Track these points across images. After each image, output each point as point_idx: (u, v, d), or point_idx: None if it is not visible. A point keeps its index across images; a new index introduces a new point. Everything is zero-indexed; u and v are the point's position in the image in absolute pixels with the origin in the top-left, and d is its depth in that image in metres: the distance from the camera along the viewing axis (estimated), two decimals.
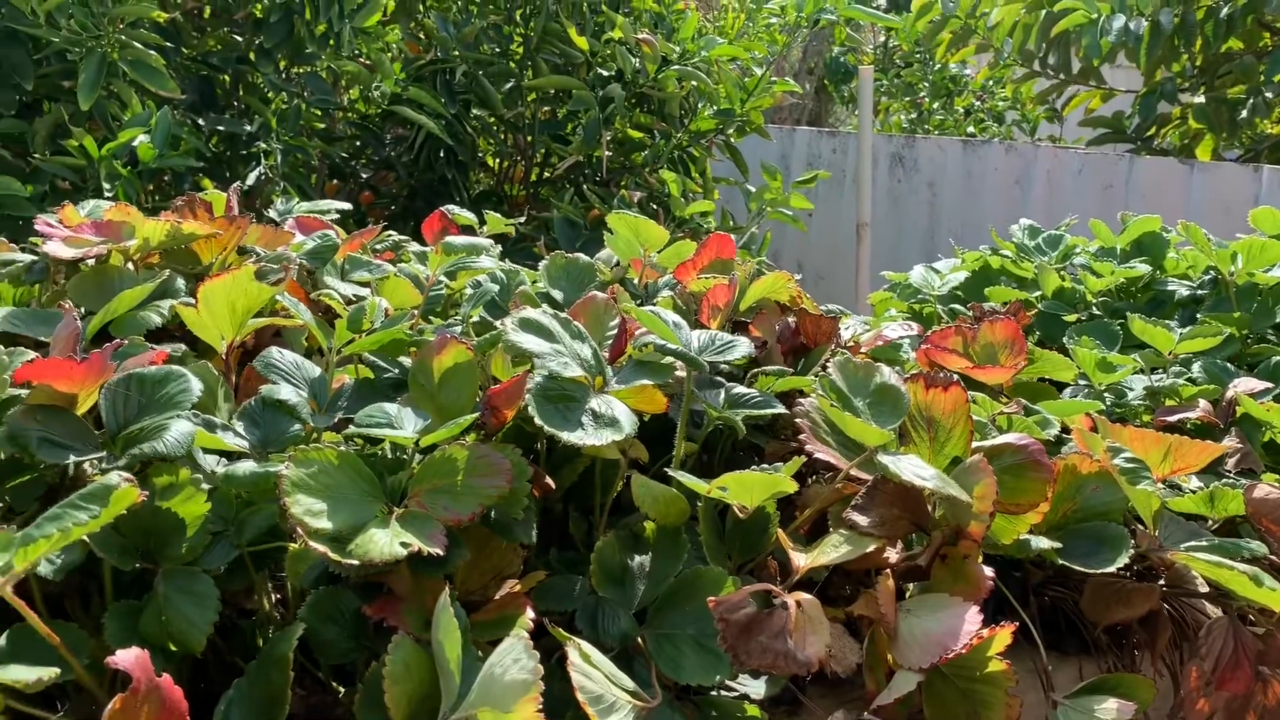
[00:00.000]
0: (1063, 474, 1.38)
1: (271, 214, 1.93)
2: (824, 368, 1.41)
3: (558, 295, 1.60)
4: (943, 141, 6.34)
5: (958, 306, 2.23)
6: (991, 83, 8.34)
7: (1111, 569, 1.31)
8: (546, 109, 4.02)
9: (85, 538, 0.97)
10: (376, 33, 3.77)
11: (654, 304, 1.61)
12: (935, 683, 1.14)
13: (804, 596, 1.11)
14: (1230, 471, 1.62)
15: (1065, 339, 1.98)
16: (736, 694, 1.17)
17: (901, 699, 1.09)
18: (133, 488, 0.93)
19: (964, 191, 6.06)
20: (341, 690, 1.15)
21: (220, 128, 3.29)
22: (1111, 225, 2.42)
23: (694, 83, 3.90)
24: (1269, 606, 1.28)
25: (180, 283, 1.43)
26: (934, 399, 1.29)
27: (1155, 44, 5.33)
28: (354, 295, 1.57)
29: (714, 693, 1.15)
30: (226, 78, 3.44)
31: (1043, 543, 1.32)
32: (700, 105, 4.02)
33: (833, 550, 1.18)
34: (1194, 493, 1.45)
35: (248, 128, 3.31)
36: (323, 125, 3.91)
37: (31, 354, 1.15)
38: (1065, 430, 1.57)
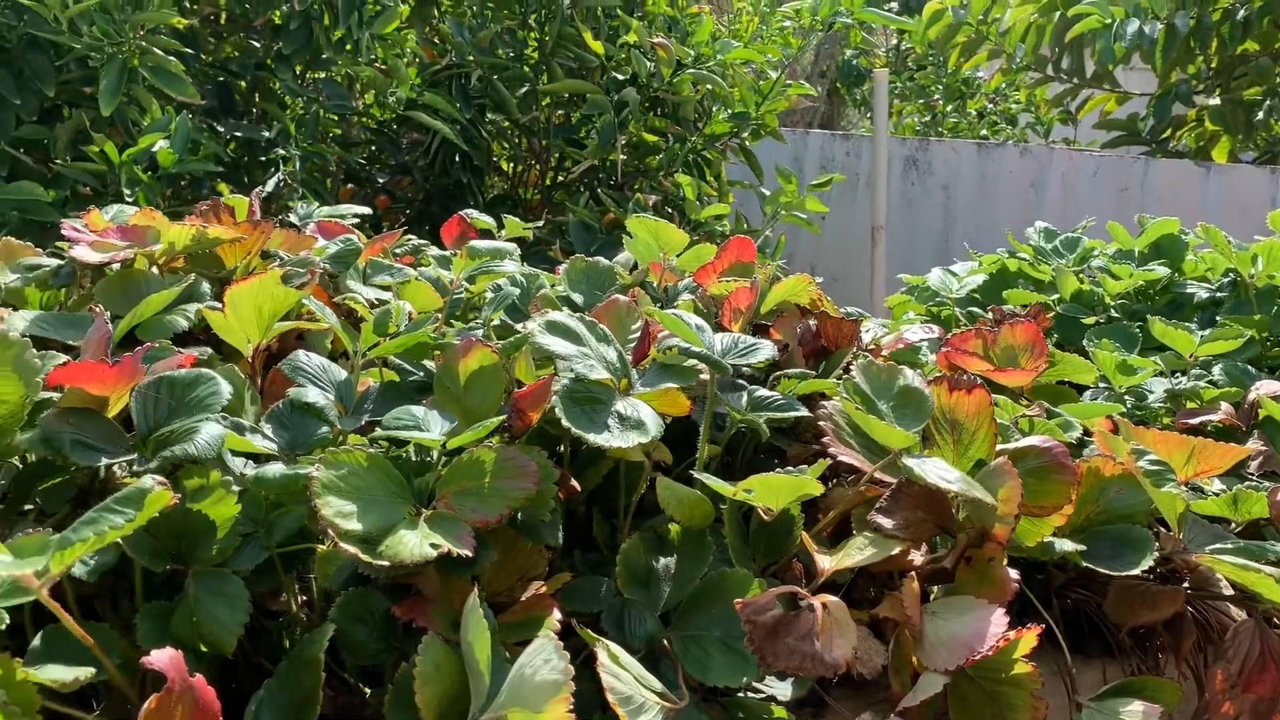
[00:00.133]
0: (1086, 476, 1.38)
1: (292, 218, 1.94)
2: (846, 370, 1.41)
3: (578, 299, 1.61)
4: (957, 144, 6.33)
5: (976, 309, 2.22)
6: (1005, 86, 8.31)
7: (1135, 571, 1.31)
8: (561, 113, 4.02)
9: (118, 540, 0.97)
10: (393, 38, 3.78)
11: (675, 307, 1.62)
12: (961, 685, 1.14)
13: (830, 599, 1.11)
14: (1253, 474, 1.62)
15: (1084, 341, 1.98)
16: (763, 695, 1.17)
17: (927, 701, 1.09)
18: (166, 491, 0.94)
19: (978, 194, 6.05)
20: (368, 691, 1.15)
21: (238, 133, 3.30)
22: (1126, 228, 2.42)
23: (709, 86, 3.90)
24: None
25: (205, 287, 1.44)
26: (958, 402, 1.29)
27: (1170, 47, 5.32)
28: (376, 299, 1.58)
29: (740, 694, 1.16)
30: (245, 83, 3.46)
31: (1066, 545, 1.32)
32: (715, 109, 4.02)
33: (858, 553, 1.19)
34: (1217, 495, 1.45)
35: (266, 133, 3.32)
36: (339, 130, 3.93)
37: (63, 357, 1.16)
38: (1087, 433, 1.57)
